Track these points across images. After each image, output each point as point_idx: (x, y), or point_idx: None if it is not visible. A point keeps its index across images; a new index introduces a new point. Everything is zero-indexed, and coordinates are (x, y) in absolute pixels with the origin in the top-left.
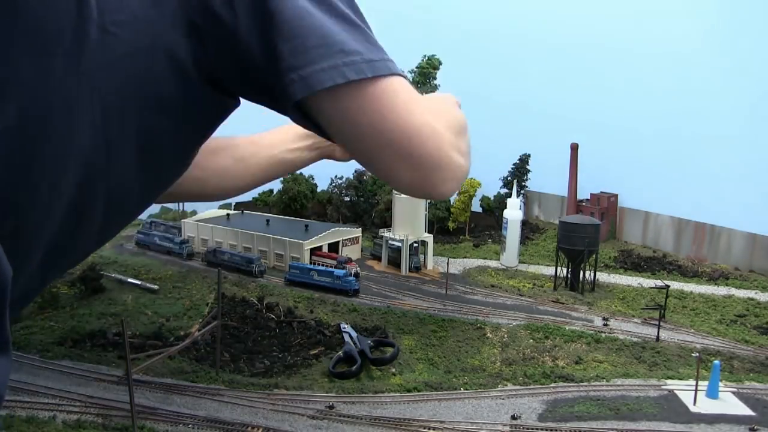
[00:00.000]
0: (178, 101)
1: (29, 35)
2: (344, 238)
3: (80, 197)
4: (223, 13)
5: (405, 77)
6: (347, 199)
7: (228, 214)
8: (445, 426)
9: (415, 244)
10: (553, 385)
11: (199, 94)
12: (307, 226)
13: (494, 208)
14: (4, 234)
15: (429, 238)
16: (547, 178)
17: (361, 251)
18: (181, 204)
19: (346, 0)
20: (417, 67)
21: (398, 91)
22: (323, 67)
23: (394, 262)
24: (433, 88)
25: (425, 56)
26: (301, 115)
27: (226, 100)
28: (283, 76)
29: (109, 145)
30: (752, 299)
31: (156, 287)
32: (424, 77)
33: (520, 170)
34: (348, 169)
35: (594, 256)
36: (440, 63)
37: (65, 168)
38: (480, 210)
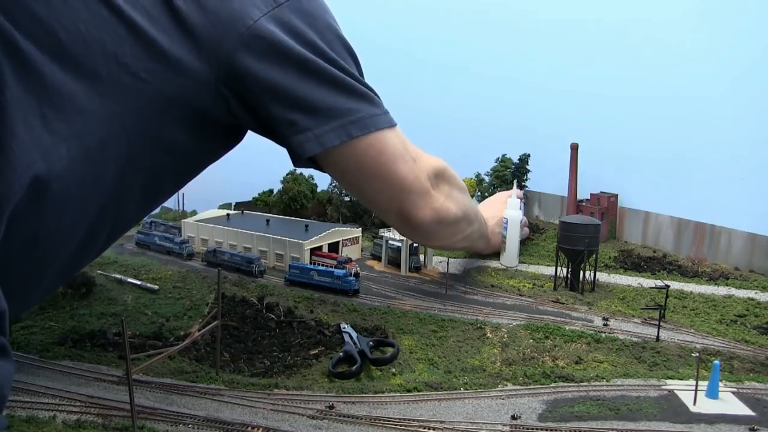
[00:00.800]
0: (189, 146)
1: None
2: (344, 238)
3: (91, 231)
4: (250, 82)
5: (396, 125)
6: (347, 199)
7: (228, 214)
8: (445, 426)
9: (415, 244)
10: (553, 385)
11: (210, 140)
12: (307, 226)
13: None
14: (31, 263)
15: None
16: (547, 178)
17: (361, 251)
18: (180, 204)
19: (348, 59)
20: (492, 170)
21: (394, 142)
22: (332, 126)
23: (394, 262)
24: (510, 186)
25: (498, 158)
26: (311, 164)
27: (231, 143)
28: (299, 135)
29: (123, 181)
30: (752, 299)
31: (156, 287)
32: (500, 179)
33: (519, 170)
34: None
35: (594, 256)
36: (512, 162)
37: (88, 206)
38: None
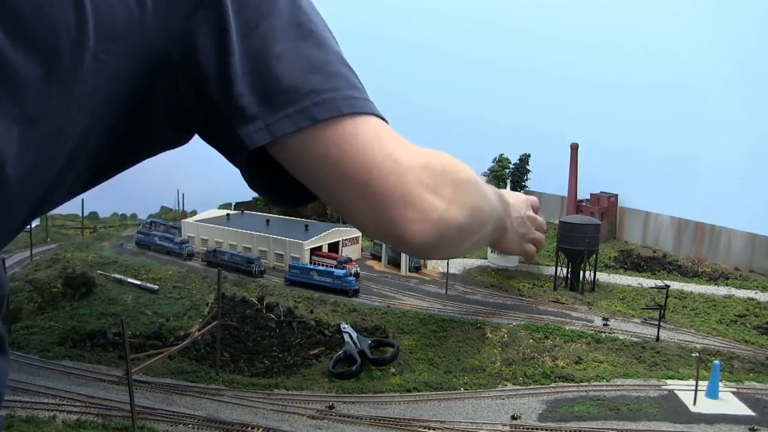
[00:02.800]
0: (137, 133)
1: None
2: (344, 238)
3: (31, 215)
4: (199, 56)
5: (381, 117)
6: None
7: (228, 214)
8: (445, 426)
9: None
10: (553, 385)
11: (158, 129)
12: (307, 226)
13: None
14: None
15: None
16: (547, 178)
17: (361, 251)
18: (180, 204)
19: (321, 26)
20: (489, 170)
21: (374, 132)
22: (289, 112)
23: (394, 262)
24: (505, 185)
25: (496, 158)
26: (256, 166)
27: (182, 137)
28: (245, 126)
29: (71, 168)
30: (752, 299)
31: (156, 287)
32: (498, 179)
33: (520, 170)
34: None
35: (594, 256)
36: (510, 162)
37: (36, 191)
38: None
